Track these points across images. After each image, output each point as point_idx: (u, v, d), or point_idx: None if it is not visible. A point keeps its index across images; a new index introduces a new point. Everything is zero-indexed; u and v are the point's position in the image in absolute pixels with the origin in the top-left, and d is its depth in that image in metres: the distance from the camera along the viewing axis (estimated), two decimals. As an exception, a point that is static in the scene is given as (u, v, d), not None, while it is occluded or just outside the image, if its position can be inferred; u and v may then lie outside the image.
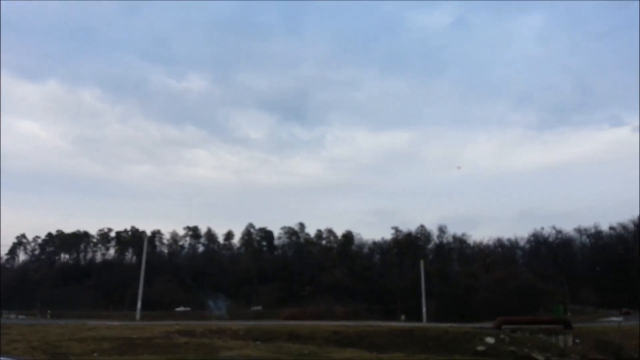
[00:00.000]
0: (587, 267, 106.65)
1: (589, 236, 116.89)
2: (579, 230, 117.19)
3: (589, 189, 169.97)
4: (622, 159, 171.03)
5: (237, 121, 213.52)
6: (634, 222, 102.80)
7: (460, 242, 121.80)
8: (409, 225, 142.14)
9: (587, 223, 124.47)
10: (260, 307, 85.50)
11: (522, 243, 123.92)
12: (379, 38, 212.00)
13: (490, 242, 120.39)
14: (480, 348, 31.64)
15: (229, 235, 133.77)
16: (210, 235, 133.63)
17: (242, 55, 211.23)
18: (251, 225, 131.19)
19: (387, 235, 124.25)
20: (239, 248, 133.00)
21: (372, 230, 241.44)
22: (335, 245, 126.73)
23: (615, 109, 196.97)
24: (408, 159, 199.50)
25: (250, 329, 32.02)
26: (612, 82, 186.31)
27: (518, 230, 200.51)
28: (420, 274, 65.02)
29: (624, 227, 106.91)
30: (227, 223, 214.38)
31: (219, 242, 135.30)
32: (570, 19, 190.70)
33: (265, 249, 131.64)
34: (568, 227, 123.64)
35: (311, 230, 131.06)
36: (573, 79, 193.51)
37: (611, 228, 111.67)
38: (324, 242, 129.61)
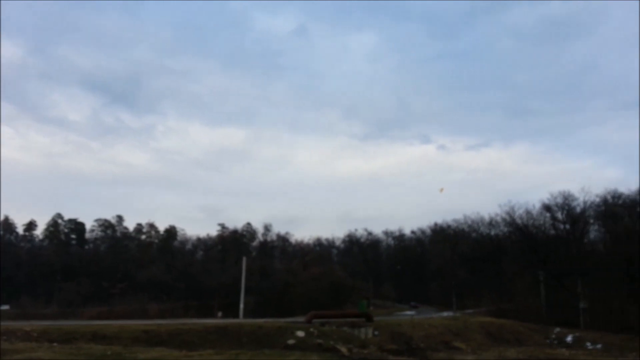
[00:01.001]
0: (390, 265, 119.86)
1: (394, 238, 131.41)
2: (386, 233, 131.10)
3: (398, 197, 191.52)
4: (426, 173, 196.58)
5: (54, 99, 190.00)
6: (430, 228, 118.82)
7: (283, 240, 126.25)
8: (236, 222, 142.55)
9: (394, 226, 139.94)
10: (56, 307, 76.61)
11: (338, 243, 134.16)
12: (223, 33, 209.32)
13: (311, 241, 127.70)
14: (290, 342, 33.03)
15: (31, 226, 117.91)
16: (8, 224, 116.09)
17: (67, 26, 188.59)
18: (59, 216, 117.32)
19: (213, 232, 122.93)
20: (41, 240, 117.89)
21: (198, 226, 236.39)
22: (156, 241, 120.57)
23: (426, 128, 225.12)
24: (241, 157, 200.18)
25: (46, 330, 28.43)
26: (426, 104, 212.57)
27: (336, 231, 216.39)
28: (241, 270, 65.52)
29: (422, 231, 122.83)
30: (33, 212, 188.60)
31: (17, 233, 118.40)
32: (399, 43, 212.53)
33: (74, 242, 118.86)
34: (378, 229, 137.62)
35: (130, 224, 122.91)
36: (395, 97, 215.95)
37: (412, 232, 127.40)
38: (143, 236, 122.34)
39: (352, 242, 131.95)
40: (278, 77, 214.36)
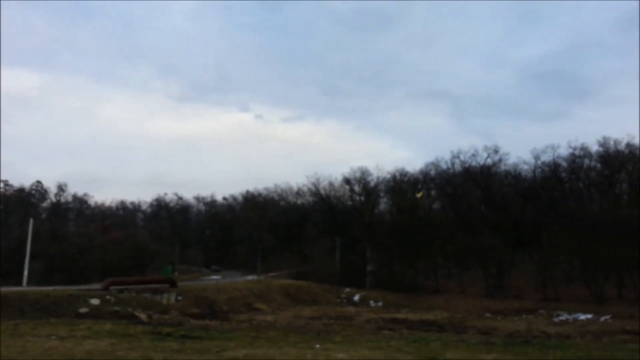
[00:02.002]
0: (199, 231, 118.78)
1: (205, 204, 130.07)
2: (197, 198, 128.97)
3: (212, 163, 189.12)
4: (242, 141, 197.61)
5: None
6: (242, 195, 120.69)
7: (80, 202, 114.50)
8: (23, 180, 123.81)
9: (206, 192, 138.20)
10: None
11: (145, 207, 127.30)
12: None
13: (114, 204, 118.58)
14: (83, 310, 30.45)
15: None
16: None
17: None
18: None
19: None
20: None
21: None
22: None
23: (245, 96, 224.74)
24: (34, 106, 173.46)
25: None
26: (246, 72, 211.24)
27: (143, 195, 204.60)
28: (27, 233, 57.57)
29: (234, 198, 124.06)
30: None
31: None
32: (222, 7, 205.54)
33: None
34: (189, 195, 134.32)
35: None
36: (216, 61, 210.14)
37: (224, 198, 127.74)
38: None
39: (161, 207, 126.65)
40: (86, 20, 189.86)
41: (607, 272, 56.55)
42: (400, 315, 43.91)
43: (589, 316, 45.71)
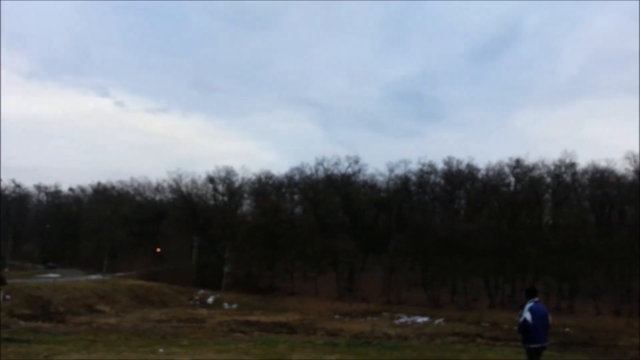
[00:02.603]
0: (38, 224, 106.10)
1: (47, 194, 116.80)
2: (38, 187, 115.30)
3: (60, 149, 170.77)
4: (98, 128, 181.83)
5: None
6: (92, 187, 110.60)
7: None
8: None
9: (49, 181, 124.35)
10: None
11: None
12: None
13: None
14: None
15: None
16: None
17: None
18: None
19: None
20: None
21: None
22: None
23: (105, 81, 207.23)
24: None
25: None
26: (109, 55, 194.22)
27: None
28: None
29: (82, 189, 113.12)
30: None
31: None
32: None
33: None
34: (29, 182, 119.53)
35: None
36: (74, 38, 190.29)
37: (71, 189, 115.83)
38: None
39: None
40: None
41: (443, 279, 62.83)
42: (254, 318, 43.82)
43: (426, 319, 50.22)
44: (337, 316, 50.29)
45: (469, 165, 77.61)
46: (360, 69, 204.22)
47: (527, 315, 10.50)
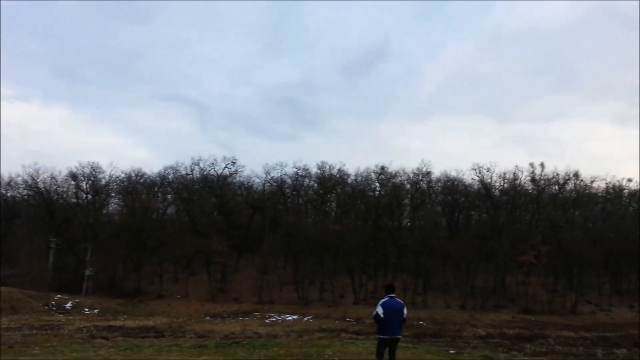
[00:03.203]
0: None
1: None
2: None
3: None
4: None
5: None
6: None
7: None
8: None
9: None
10: None
11: None
12: None
13: None
14: None
15: None
16: None
17: None
18: None
19: None
20: None
21: None
22: None
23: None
24: None
25: None
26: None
27: None
28: None
29: None
30: None
31: None
32: None
33: None
34: None
35: None
36: None
37: None
38: None
39: None
40: None
41: (312, 278, 65.46)
42: (118, 323, 41.73)
43: (295, 317, 51.99)
44: (208, 318, 49.85)
45: (340, 171, 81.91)
46: (240, 71, 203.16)
47: (379, 309, 12.00)
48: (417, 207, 78.37)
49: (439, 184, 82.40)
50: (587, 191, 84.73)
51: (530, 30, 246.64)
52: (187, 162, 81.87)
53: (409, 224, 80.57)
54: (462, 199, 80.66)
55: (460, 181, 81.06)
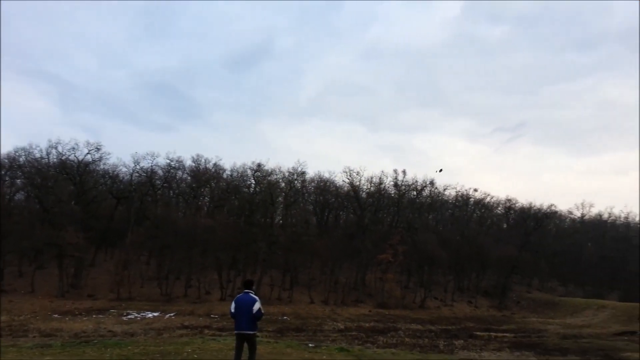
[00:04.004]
0: None
1: None
2: None
3: None
4: None
5: None
6: None
7: None
8: None
9: None
10: None
11: None
12: None
13: None
14: None
15: None
16: None
17: None
18: None
19: None
20: None
21: None
22: None
23: None
24: None
25: None
26: None
27: None
28: None
29: None
30: None
31: None
32: None
33: None
34: None
35: None
36: None
37: None
38: None
39: None
40: None
41: (178, 273, 63.37)
42: (-57, 322, 36.31)
43: (156, 314, 49.85)
44: (56, 315, 45.60)
45: (215, 165, 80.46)
46: (112, 51, 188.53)
47: (232, 305, 12.18)
48: (290, 205, 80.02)
49: (312, 184, 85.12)
50: (440, 198, 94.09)
51: (404, 48, 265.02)
52: (43, 145, 73.64)
53: (281, 221, 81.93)
54: (333, 199, 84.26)
55: (332, 182, 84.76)
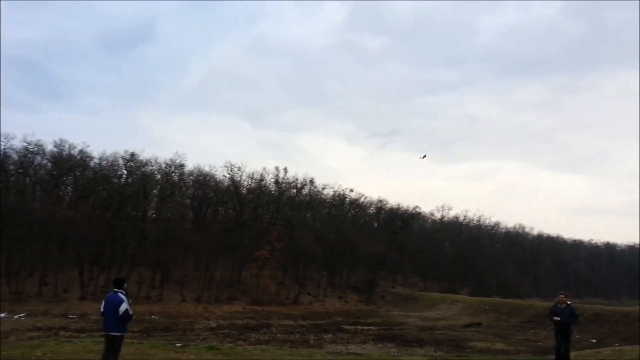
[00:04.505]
0: None
1: None
2: None
3: None
4: None
5: None
6: None
7: None
8: None
9: None
10: None
11: None
12: None
13: None
14: None
15: None
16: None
17: None
18: None
19: None
20: None
21: None
22: None
23: None
24: None
25: None
26: None
27: None
28: None
29: None
30: None
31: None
32: None
33: None
34: None
35: None
36: None
37: None
38: None
39: None
40: None
41: (31, 270, 57.20)
42: None
43: (3, 315, 44.66)
44: None
45: (82, 152, 73.76)
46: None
47: (102, 304, 11.56)
48: (166, 199, 76.44)
49: (191, 177, 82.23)
50: (319, 196, 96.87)
51: (291, 47, 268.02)
52: None
53: (154, 215, 77.90)
54: (212, 194, 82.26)
55: (212, 177, 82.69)
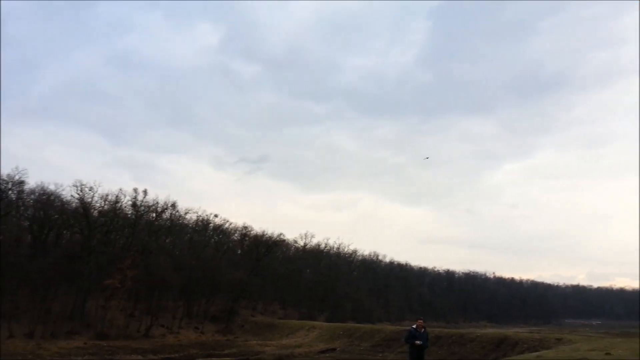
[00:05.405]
0: None
1: None
2: None
3: None
4: None
5: None
6: None
7: None
8: None
9: None
10: None
11: None
12: None
13: None
14: None
15: None
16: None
17: None
18: None
19: None
20: None
21: None
22: None
23: None
24: None
25: None
26: None
27: None
28: None
29: None
30: None
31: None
32: None
33: None
34: None
35: None
36: None
37: None
38: None
39: None
40: None
41: None
42: None
43: None
44: None
45: None
46: None
47: None
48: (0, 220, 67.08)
49: (32, 196, 73.57)
50: (180, 221, 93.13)
51: (160, 64, 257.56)
52: None
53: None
54: (57, 215, 74.28)
55: (58, 196, 74.80)
